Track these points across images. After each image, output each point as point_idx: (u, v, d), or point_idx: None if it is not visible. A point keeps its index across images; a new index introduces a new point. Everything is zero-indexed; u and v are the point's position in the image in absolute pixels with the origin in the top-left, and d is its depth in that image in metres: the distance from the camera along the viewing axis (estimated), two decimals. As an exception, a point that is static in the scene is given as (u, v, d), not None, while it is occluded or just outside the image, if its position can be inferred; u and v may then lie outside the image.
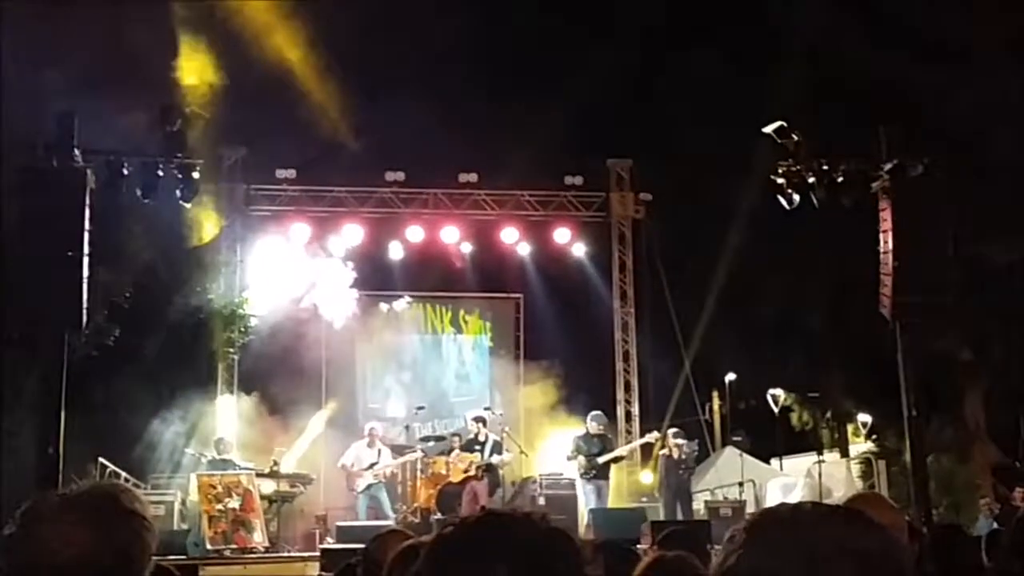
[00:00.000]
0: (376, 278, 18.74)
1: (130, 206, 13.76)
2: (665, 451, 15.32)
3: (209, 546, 12.81)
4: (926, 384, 14.83)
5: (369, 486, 14.85)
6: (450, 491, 14.78)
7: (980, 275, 18.47)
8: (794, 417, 25.37)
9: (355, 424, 17.50)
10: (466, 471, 14.95)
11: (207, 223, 17.30)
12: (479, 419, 15.67)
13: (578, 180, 19.61)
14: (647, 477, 17.30)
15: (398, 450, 15.72)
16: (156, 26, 15.22)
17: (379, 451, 15.18)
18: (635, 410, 19.18)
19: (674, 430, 15.71)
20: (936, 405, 18.43)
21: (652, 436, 16.01)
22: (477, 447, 15.18)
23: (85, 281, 12.01)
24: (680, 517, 14.45)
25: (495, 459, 15.14)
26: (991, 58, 17.95)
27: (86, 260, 12.04)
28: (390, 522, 13.44)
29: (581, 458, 14.78)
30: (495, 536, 1.42)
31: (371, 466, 14.92)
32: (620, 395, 19.25)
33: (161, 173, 13.14)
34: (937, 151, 13.79)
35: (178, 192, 13.39)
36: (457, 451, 15.37)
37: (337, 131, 17.58)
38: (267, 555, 13.09)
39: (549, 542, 1.42)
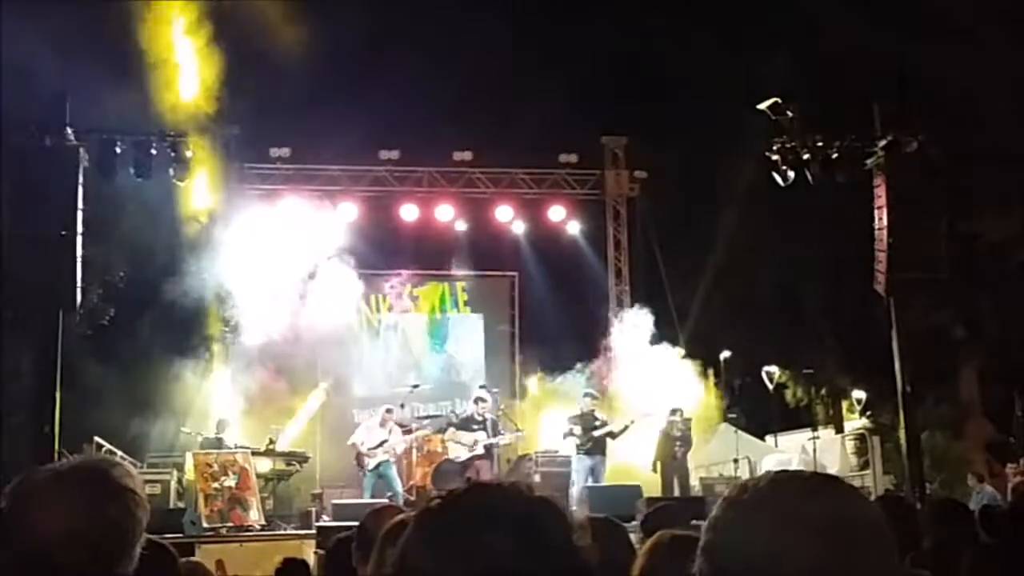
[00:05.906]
0: (370, 257, 18.71)
1: (124, 185, 13.72)
2: (664, 427, 15.36)
3: (205, 524, 12.80)
4: (920, 360, 14.84)
5: (379, 464, 14.80)
6: (447, 468, 14.77)
7: (974, 251, 18.47)
8: (789, 394, 25.38)
9: (350, 402, 17.48)
10: (471, 449, 14.92)
11: (201, 202, 17.24)
12: (478, 398, 15.66)
13: (573, 158, 19.58)
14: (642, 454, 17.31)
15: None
16: (148, 4, 15.12)
17: (390, 430, 15.13)
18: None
19: (673, 406, 15.73)
20: (930, 382, 18.42)
21: (647, 413, 16.01)
22: (476, 426, 15.15)
23: (79, 261, 12.01)
24: (677, 493, 14.51)
25: (501, 440, 15.16)
26: (986, 34, 17.88)
27: (80, 239, 12.04)
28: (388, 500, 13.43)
29: (577, 429, 14.77)
30: (481, 507, 1.42)
31: (382, 443, 14.89)
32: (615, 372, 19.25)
33: (154, 152, 13.12)
34: (931, 128, 13.77)
35: (171, 171, 13.36)
36: (452, 429, 15.37)
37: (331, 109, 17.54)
38: (263, 533, 13.08)
39: (536, 511, 1.42)
